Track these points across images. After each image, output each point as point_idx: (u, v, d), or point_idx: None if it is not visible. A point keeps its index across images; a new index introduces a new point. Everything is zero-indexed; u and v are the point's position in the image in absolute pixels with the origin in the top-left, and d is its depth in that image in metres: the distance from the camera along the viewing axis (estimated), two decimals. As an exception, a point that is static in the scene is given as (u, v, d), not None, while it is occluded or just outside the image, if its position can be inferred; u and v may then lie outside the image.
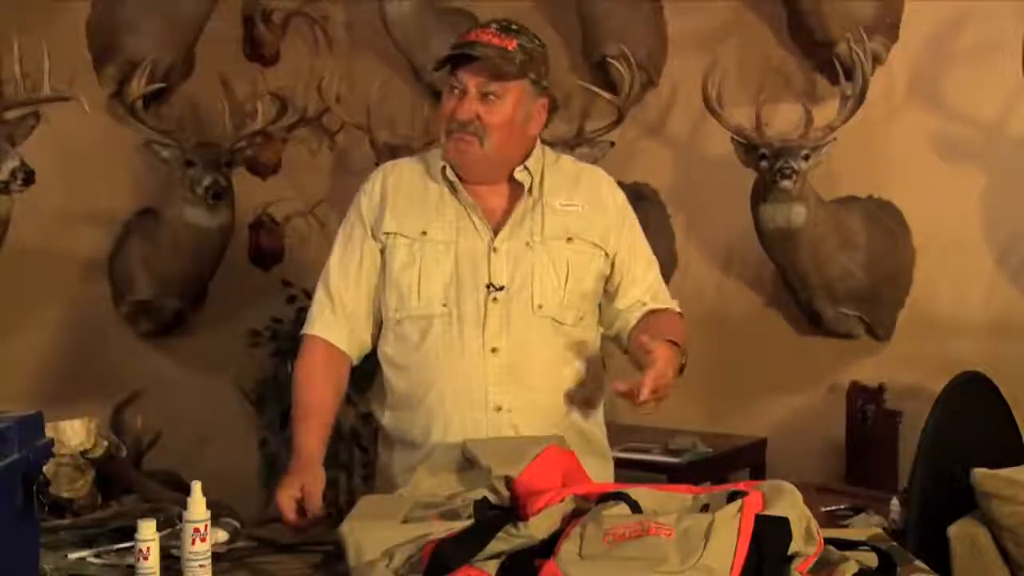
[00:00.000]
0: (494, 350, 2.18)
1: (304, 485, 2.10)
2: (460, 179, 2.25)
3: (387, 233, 2.25)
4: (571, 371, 2.25)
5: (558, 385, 2.23)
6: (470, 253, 2.21)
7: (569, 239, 2.24)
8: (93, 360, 4.51)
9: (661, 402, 2.06)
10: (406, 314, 2.23)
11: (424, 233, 2.24)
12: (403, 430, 2.25)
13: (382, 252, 2.26)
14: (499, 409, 2.17)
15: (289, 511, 2.07)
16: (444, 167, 2.25)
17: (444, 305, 2.20)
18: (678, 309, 2.37)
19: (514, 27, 2.23)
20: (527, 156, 2.27)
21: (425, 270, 2.22)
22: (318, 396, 2.24)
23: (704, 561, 1.49)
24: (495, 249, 2.21)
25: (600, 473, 2.28)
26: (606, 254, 2.28)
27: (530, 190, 2.25)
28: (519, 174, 2.25)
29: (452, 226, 2.24)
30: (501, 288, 2.19)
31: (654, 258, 2.38)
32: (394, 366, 2.26)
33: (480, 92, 2.18)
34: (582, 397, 2.27)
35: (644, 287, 2.32)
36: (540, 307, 2.20)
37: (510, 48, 2.18)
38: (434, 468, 1.93)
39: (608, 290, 2.31)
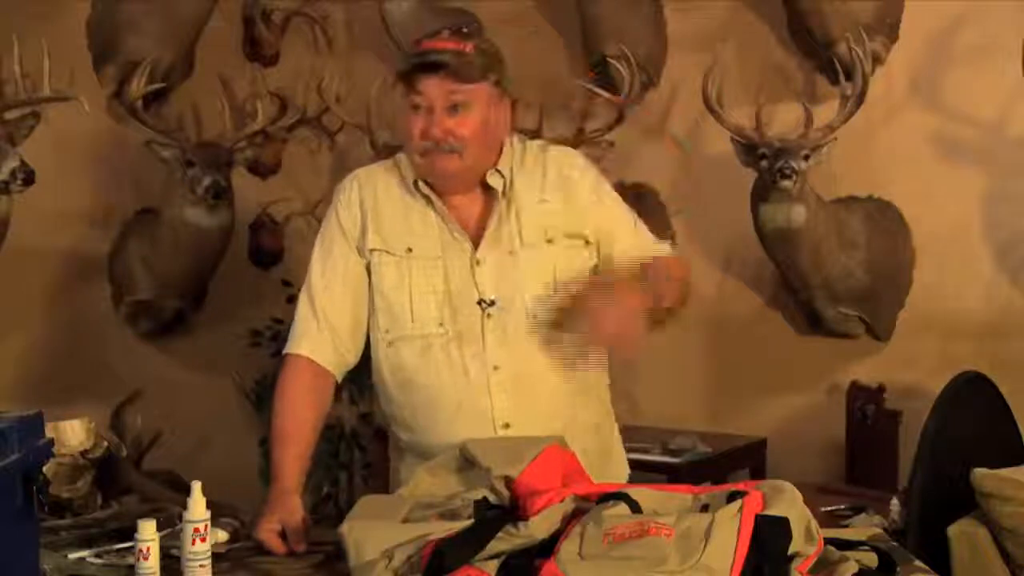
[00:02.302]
0: (496, 368, 2.14)
1: (282, 520, 2.02)
2: (434, 191, 2.19)
3: (372, 250, 2.20)
4: (576, 375, 2.21)
5: (563, 394, 2.19)
6: (458, 268, 2.17)
7: (549, 240, 2.19)
8: (93, 360, 4.51)
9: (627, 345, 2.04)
10: (399, 335, 2.19)
11: (410, 250, 2.18)
12: (417, 444, 2.19)
13: (367, 268, 2.21)
14: (507, 426, 2.13)
15: (274, 544, 1.99)
16: (416, 180, 2.20)
17: (440, 324, 2.16)
18: (667, 251, 2.29)
19: (465, 30, 2.18)
20: (499, 158, 2.21)
21: (416, 289, 2.17)
22: (300, 422, 2.16)
23: (704, 561, 1.49)
24: (478, 262, 2.17)
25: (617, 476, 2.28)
26: (587, 241, 2.23)
27: (503, 193, 2.19)
28: (491, 178, 2.19)
29: (437, 241, 2.18)
30: (492, 303, 2.15)
31: (634, 216, 2.31)
32: (396, 388, 2.21)
33: (447, 104, 2.11)
34: (589, 399, 2.25)
35: (630, 247, 2.24)
36: (536, 317, 2.15)
37: (468, 51, 2.12)
38: (434, 468, 1.93)
39: (601, 259, 2.25)
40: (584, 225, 2.23)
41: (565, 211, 2.22)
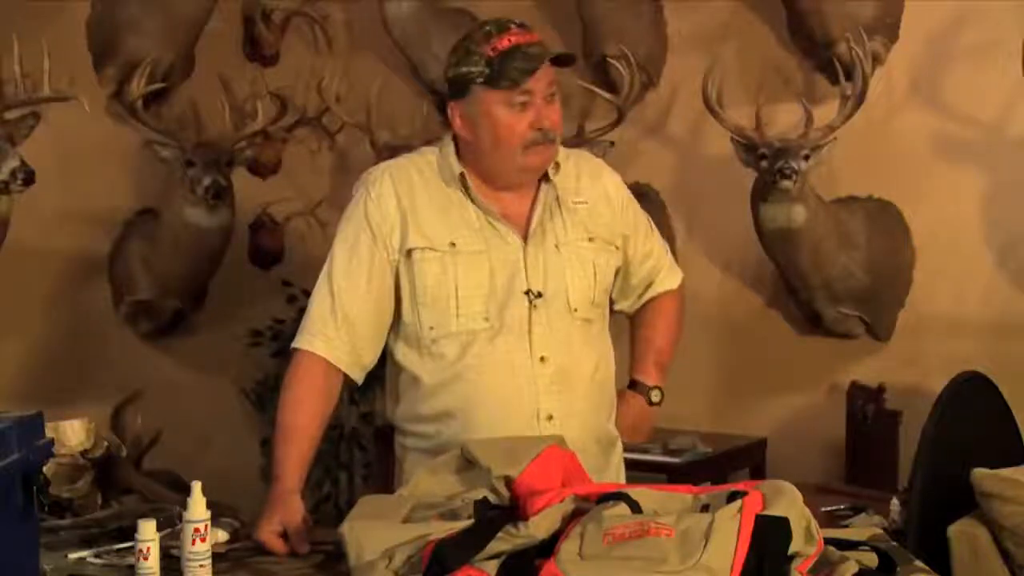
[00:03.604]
0: (542, 359, 2.14)
1: (283, 521, 2.01)
2: (482, 184, 2.19)
3: (413, 248, 2.15)
4: (603, 370, 2.26)
5: (597, 387, 2.23)
6: (503, 261, 2.16)
7: (590, 239, 2.23)
8: (93, 360, 4.51)
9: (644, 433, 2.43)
10: (444, 332, 2.15)
11: (453, 244, 2.15)
12: (455, 442, 2.11)
13: (399, 267, 2.17)
14: (550, 418, 2.13)
15: (275, 545, 1.98)
16: (462, 173, 2.18)
17: (486, 319, 2.14)
18: (677, 281, 2.45)
19: (520, 22, 2.19)
20: None
21: (462, 284, 2.14)
22: (306, 422, 2.13)
23: (704, 561, 1.49)
24: (527, 254, 2.17)
25: (616, 472, 2.31)
26: (617, 247, 2.29)
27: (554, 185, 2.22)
28: (552, 170, 2.21)
29: (479, 235, 2.16)
30: (539, 295, 2.16)
31: (651, 226, 2.41)
32: (436, 386, 2.17)
33: (547, 92, 2.13)
34: (608, 395, 2.29)
35: (649, 263, 2.38)
36: (576, 310, 2.18)
37: (540, 39, 2.16)
38: (434, 468, 1.93)
39: (621, 269, 2.33)
40: (615, 231, 2.28)
41: (600, 215, 2.26)
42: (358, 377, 2.21)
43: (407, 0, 4.41)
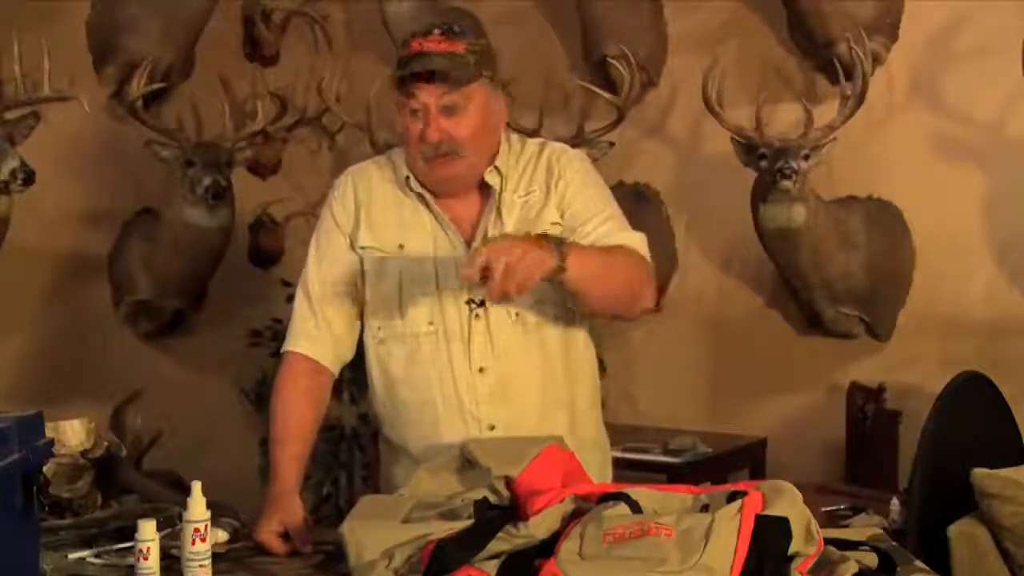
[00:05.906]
0: (481, 370, 2.13)
1: (283, 521, 2.01)
2: (428, 189, 2.18)
3: (364, 247, 2.19)
4: (560, 376, 2.20)
5: (549, 396, 2.18)
6: (448, 267, 2.15)
7: (527, 234, 2.12)
8: (93, 360, 4.51)
9: (516, 289, 1.86)
10: (390, 333, 2.18)
11: (401, 247, 2.17)
12: (403, 443, 2.20)
13: (361, 263, 2.20)
14: (493, 428, 2.13)
15: (275, 545, 1.99)
16: (408, 178, 2.18)
17: (430, 323, 2.15)
18: (638, 248, 2.16)
19: (456, 28, 2.14)
20: (496, 155, 2.19)
21: (407, 286, 2.16)
22: (298, 422, 2.16)
23: (704, 561, 1.49)
24: None
25: (598, 471, 2.26)
26: (561, 224, 2.17)
27: (500, 191, 2.17)
28: (490, 177, 2.18)
29: (428, 238, 2.17)
30: (482, 303, 2.13)
31: (612, 212, 2.20)
32: (385, 387, 2.21)
33: (441, 106, 2.08)
34: (574, 399, 2.23)
35: (597, 235, 2.15)
36: (517, 315, 2.15)
37: (460, 51, 2.08)
38: (434, 468, 1.93)
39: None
40: (559, 205, 2.17)
41: (544, 199, 2.18)
42: (337, 371, 2.25)
43: (407, 0, 4.41)
